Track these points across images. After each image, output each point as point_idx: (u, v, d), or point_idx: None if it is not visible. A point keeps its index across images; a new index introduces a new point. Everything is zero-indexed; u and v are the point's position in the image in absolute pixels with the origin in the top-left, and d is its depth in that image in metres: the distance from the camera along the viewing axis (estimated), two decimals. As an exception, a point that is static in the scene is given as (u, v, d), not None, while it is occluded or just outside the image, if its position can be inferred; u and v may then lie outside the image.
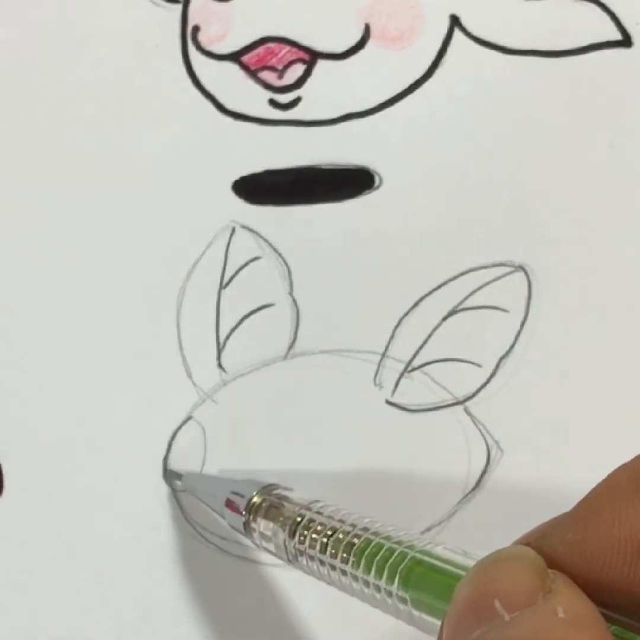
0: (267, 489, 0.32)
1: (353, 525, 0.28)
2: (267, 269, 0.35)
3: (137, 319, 0.35)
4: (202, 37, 0.35)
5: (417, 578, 0.25)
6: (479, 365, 0.36)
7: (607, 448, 0.36)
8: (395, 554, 0.25)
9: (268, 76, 0.35)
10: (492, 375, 0.36)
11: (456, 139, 0.35)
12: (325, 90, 0.35)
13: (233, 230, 0.35)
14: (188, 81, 0.35)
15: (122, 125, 0.35)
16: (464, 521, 0.36)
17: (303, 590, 0.36)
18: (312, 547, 0.29)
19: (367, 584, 0.26)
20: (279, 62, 0.35)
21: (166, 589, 0.36)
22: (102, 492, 0.36)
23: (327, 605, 0.36)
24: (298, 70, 0.35)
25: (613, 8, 0.35)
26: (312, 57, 0.35)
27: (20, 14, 0.34)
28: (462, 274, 0.36)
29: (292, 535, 0.30)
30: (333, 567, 0.28)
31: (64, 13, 0.34)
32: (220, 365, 0.36)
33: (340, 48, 0.35)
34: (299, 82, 0.35)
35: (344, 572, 0.27)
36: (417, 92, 0.35)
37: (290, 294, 0.36)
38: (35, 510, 0.36)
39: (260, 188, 0.35)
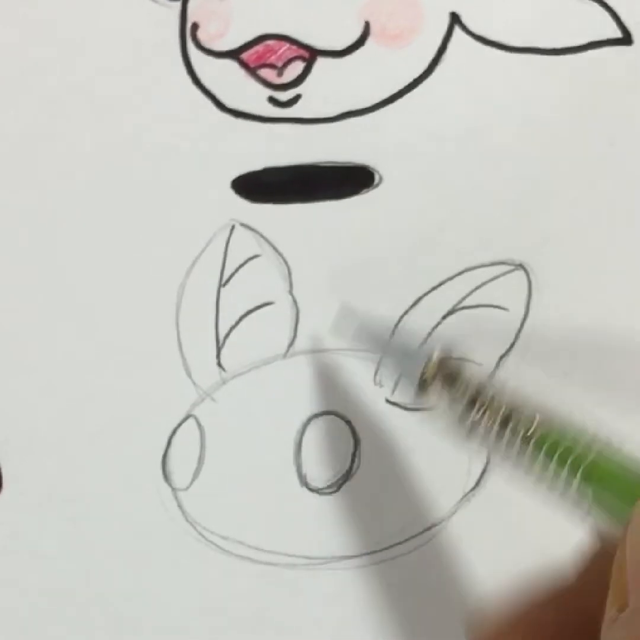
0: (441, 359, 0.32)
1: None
2: (266, 267, 0.35)
3: (136, 317, 0.35)
4: (201, 35, 0.34)
5: (602, 472, 0.25)
6: (478, 364, 0.36)
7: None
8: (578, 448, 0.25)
9: (267, 74, 0.35)
10: (492, 374, 0.36)
11: (456, 137, 0.35)
12: (324, 88, 0.35)
13: (232, 228, 0.35)
14: (187, 79, 0.35)
15: (121, 124, 0.35)
16: (464, 521, 0.36)
17: (303, 591, 0.36)
18: (490, 421, 0.28)
19: (546, 468, 0.26)
20: (278, 60, 0.35)
21: (166, 588, 0.36)
22: (102, 491, 0.36)
23: (327, 606, 0.36)
24: (297, 67, 0.35)
25: (614, 6, 0.35)
26: (311, 54, 0.35)
27: (20, 14, 0.34)
28: (462, 272, 0.36)
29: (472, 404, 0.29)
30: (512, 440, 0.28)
31: (63, 12, 0.34)
32: (219, 364, 0.36)
33: (339, 45, 0.35)
34: (299, 80, 0.35)
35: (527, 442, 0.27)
36: (417, 90, 0.35)
37: (290, 292, 0.36)
38: (34, 510, 0.36)
39: (260, 186, 0.35)
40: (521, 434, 0.27)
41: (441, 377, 0.31)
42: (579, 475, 0.25)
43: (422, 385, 0.31)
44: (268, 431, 0.36)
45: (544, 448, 0.26)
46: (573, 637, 0.23)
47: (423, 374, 0.31)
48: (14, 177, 0.35)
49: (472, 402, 0.29)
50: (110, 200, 0.35)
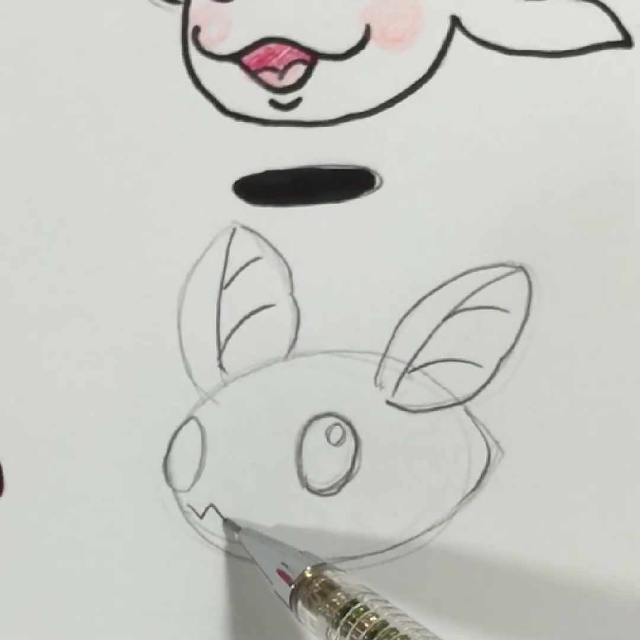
0: (319, 568, 0.33)
1: (395, 631, 0.28)
2: (267, 270, 0.35)
3: (138, 319, 0.35)
4: (202, 38, 0.34)
5: None
6: (479, 366, 0.36)
7: (607, 448, 0.36)
8: None
9: (269, 77, 0.35)
10: (493, 375, 0.36)
11: (456, 140, 0.35)
12: (325, 91, 0.35)
13: (234, 230, 0.35)
14: (188, 82, 0.35)
15: (122, 126, 0.35)
16: (464, 521, 0.37)
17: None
18: None
19: None
20: (279, 63, 0.35)
21: (166, 589, 0.36)
22: (103, 493, 0.36)
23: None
24: (299, 71, 0.35)
25: (614, 8, 0.35)
26: (312, 57, 0.35)
27: (21, 14, 0.34)
28: (463, 274, 0.36)
29: (335, 625, 0.30)
30: None
31: (64, 13, 0.34)
32: (220, 366, 0.36)
33: (340, 49, 0.35)
34: (300, 83, 0.35)
35: None
36: (418, 93, 0.35)
37: (291, 294, 0.36)
38: (35, 511, 0.36)
39: (261, 189, 0.35)
40: None
41: (312, 590, 0.32)
42: None
43: (296, 591, 0.32)
44: (269, 433, 0.36)
45: None
46: None
47: (298, 578, 0.32)
48: (14, 178, 0.35)
49: (336, 622, 0.30)
50: (112, 202, 0.35)
